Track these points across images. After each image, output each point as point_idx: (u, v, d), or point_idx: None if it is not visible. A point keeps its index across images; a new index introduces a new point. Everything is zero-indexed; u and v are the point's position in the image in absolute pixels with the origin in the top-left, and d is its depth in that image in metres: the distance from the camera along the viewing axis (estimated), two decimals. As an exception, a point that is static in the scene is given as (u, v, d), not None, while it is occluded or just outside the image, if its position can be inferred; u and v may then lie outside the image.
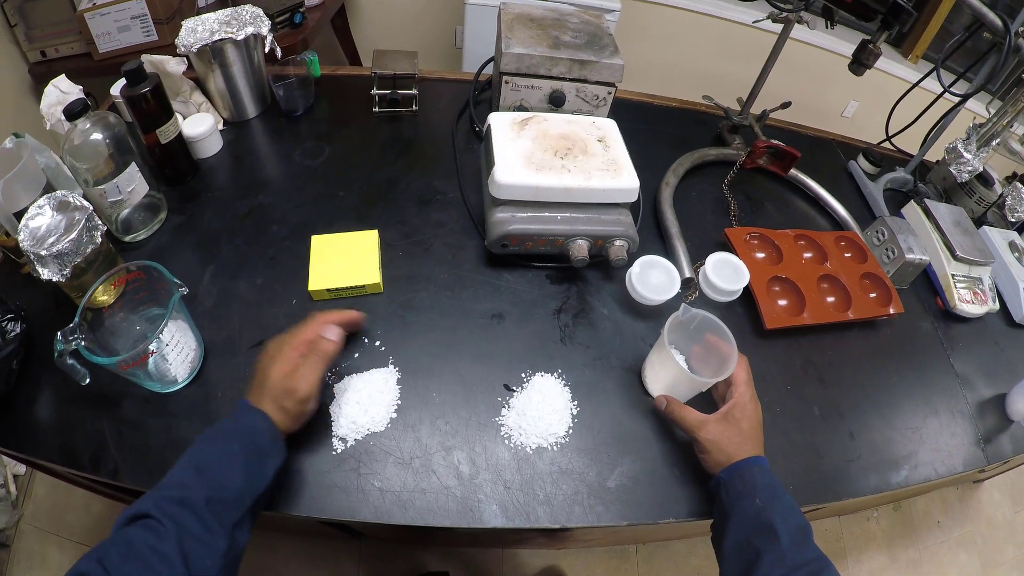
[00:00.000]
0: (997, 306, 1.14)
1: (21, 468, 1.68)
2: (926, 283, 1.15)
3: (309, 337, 0.69)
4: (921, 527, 2.03)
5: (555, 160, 0.86)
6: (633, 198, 0.88)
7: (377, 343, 0.83)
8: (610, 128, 0.94)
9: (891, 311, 0.99)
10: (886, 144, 1.44)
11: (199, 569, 0.52)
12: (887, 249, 1.10)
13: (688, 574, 1.75)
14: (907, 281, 1.11)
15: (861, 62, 1.11)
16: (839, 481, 0.83)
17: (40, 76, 1.74)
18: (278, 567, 1.59)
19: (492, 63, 1.17)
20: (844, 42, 2.56)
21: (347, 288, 0.86)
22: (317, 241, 0.90)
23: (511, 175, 0.83)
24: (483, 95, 1.25)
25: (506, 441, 0.76)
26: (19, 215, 0.74)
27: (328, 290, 0.85)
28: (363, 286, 0.86)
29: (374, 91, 1.12)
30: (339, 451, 0.72)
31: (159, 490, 0.56)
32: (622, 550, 1.75)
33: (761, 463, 0.68)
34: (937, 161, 1.39)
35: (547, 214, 0.86)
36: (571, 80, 1.01)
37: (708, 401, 0.79)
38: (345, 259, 0.88)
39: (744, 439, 0.70)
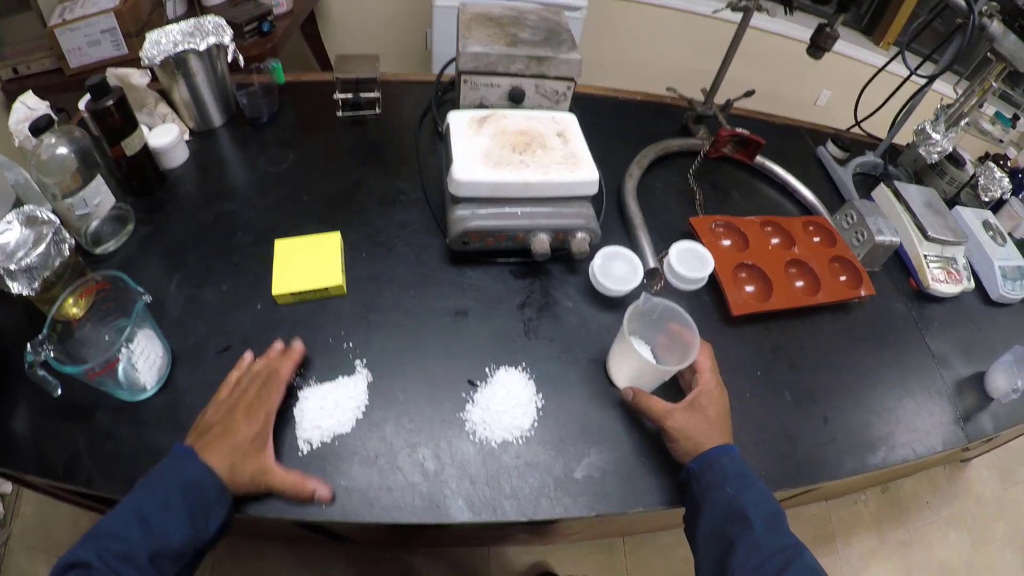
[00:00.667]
0: (972, 285, 1.15)
1: (8, 487, 1.68)
2: (899, 265, 1.16)
3: (272, 407, 0.70)
4: (910, 508, 2.04)
5: (513, 156, 0.86)
6: (593, 191, 0.89)
7: (343, 344, 0.83)
8: (569, 122, 0.95)
9: (862, 293, 1.00)
10: (856, 130, 1.44)
11: None
12: (856, 232, 1.10)
13: (676, 564, 1.76)
14: (878, 264, 1.12)
15: (819, 45, 1.12)
16: (814, 465, 0.83)
17: (12, 93, 1.72)
18: (267, 573, 1.59)
19: (453, 63, 1.17)
20: (809, 30, 2.55)
21: (310, 291, 0.86)
22: (280, 245, 0.90)
23: (469, 172, 0.83)
24: (447, 96, 1.25)
25: (471, 436, 0.76)
26: (-12, 232, 0.74)
27: (292, 294, 0.86)
28: (326, 288, 0.87)
29: (337, 95, 1.13)
30: (305, 453, 0.73)
31: (99, 540, 0.54)
32: (609, 543, 1.76)
33: (731, 451, 0.68)
34: (907, 144, 1.40)
35: (507, 209, 0.87)
36: (530, 76, 1.02)
37: (679, 392, 0.79)
38: (308, 262, 0.88)
39: (711, 426, 0.70)
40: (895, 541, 1.95)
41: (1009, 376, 0.96)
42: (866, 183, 1.34)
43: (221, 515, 0.61)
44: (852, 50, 2.62)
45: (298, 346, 0.77)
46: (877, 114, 1.37)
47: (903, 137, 1.38)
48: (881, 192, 1.24)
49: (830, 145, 1.37)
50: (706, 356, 0.75)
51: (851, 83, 2.12)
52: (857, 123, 1.41)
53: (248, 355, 0.78)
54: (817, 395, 0.90)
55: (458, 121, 0.91)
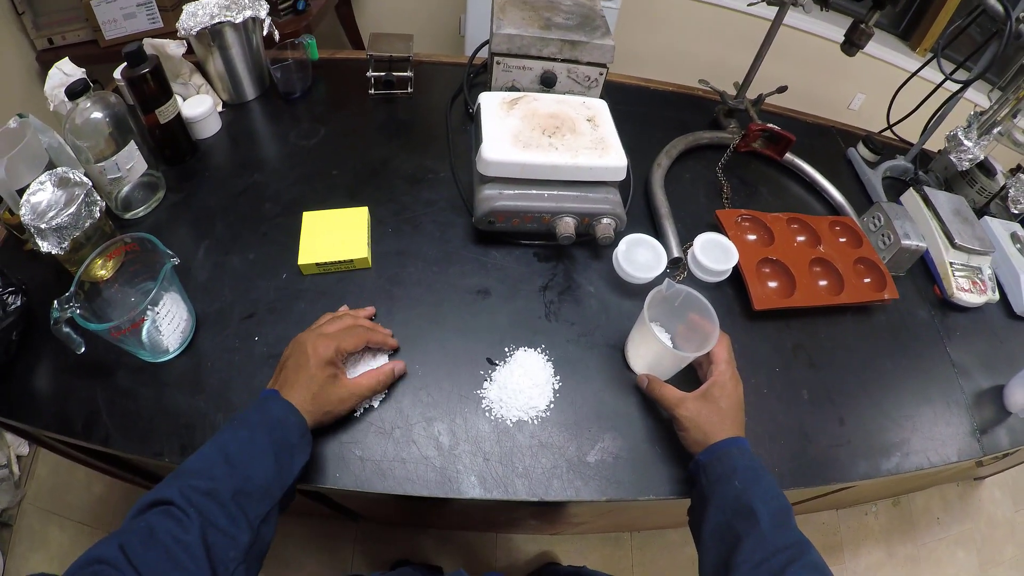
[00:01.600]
0: (997, 296, 1.13)
1: (25, 448, 1.72)
2: (924, 271, 1.14)
3: (350, 348, 0.72)
4: (920, 523, 2.02)
5: (543, 138, 0.86)
6: (621, 176, 0.89)
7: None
8: (600, 108, 0.95)
9: (885, 296, 0.98)
10: (888, 133, 1.43)
11: (222, 562, 0.51)
12: (883, 235, 1.09)
13: (683, 563, 1.75)
14: (904, 268, 1.10)
15: (853, 42, 1.10)
16: (827, 466, 0.82)
17: (47, 63, 1.74)
18: (275, 547, 1.59)
19: (487, 46, 1.18)
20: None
21: (335, 263, 0.87)
22: (308, 217, 0.91)
23: (498, 152, 0.84)
24: (479, 78, 1.26)
25: (487, 414, 0.77)
26: (22, 192, 0.76)
27: (317, 264, 0.87)
28: (351, 260, 0.88)
29: (370, 73, 1.13)
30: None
31: (183, 477, 0.54)
32: (616, 537, 1.76)
33: (741, 444, 0.67)
34: (939, 151, 1.38)
35: (534, 191, 0.87)
36: (562, 61, 1.02)
37: (697, 384, 0.78)
38: (335, 235, 0.89)
39: (723, 418, 0.69)
40: (903, 555, 1.94)
41: (1029, 391, 0.95)
42: (895, 187, 1.32)
43: (306, 452, 0.63)
44: (888, 55, 2.59)
45: (394, 342, 0.80)
46: (909, 120, 1.35)
47: (934, 144, 1.36)
48: (910, 197, 1.22)
49: (861, 147, 1.35)
50: (723, 347, 0.74)
51: (886, 87, 2.09)
52: (889, 126, 1.39)
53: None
54: (835, 396, 0.89)
55: (489, 102, 0.91)
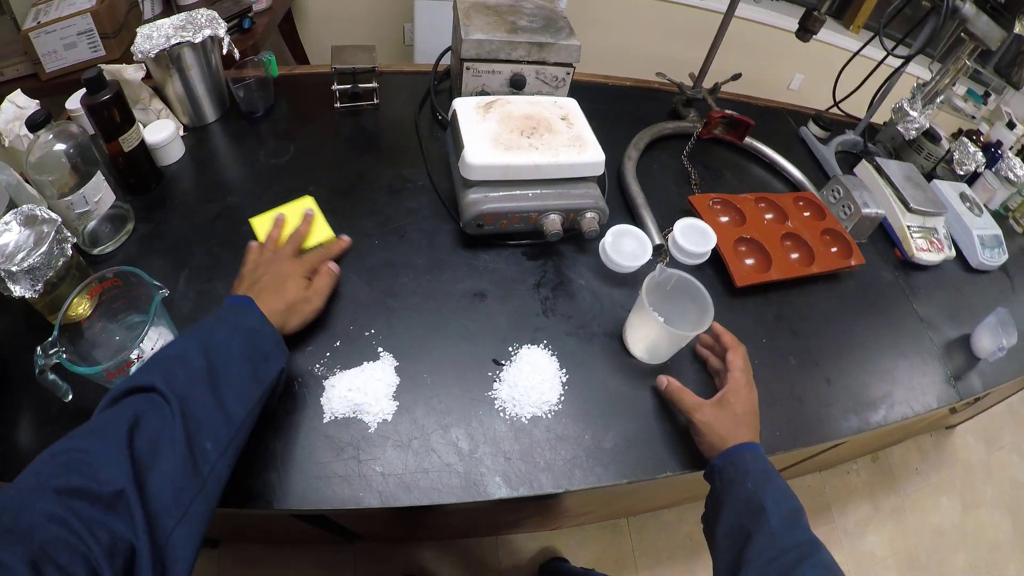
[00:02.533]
0: (953, 254, 1.20)
1: None
2: (883, 237, 1.20)
3: (315, 262, 0.81)
4: (900, 476, 2.11)
5: (522, 139, 0.87)
6: (600, 171, 0.91)
7: (364, 331, 0.83)
8: (572, 106, 0.96)
9: (852, 263, 1.03)
10: (834, 110, 1.49)
11: (202, 452, 0.52)
12: (844, 206, 1.14)
13: (680, 540, 1.79)
14: (865, 235, 1.15)
15: (807, 28, 1.15)
16: (822, 425, 0.87)
17: (-12, 102, 1.68)
18: None
19: (450, 53, 1.18)
20: (786, 17, 2.62)
21: (307, 251, 0.88)
22: (257, 221, 0.93)
23: (481, 156, 0.85)
24: (441, 85, 1.26)
25: (501, 414, 0.77)
26: (-17, 235, 0.72)
27: None
28: (319, 245, 0.90)
29: (335, 87, 1.12)
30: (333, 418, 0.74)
31: (164, 363, 0.56)
32: (614, 525, 1.78)
33: (755, 449, 0.70)
34: (884, 123, 1.45)
35: (518, 192, 0.88)
36: (530, 63, 1.03)
37: (714, 391, 0.81)
38: (291, 228, 0.90)
39: (738, 423, 0.72)
40: (888, 508, 2.01)
41: (994, 336, 1.01)
42: (847, 160, 1.38)
43: (279, 363, 0.65)
44: (824, 34, 2.65)
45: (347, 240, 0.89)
46: (851, 96, 1.41)
47: (879, 117, 1.43)
48: (863, 168, 1.28)
49: (812, 125, 1.41)
50: (738, 356, 0.78)
51: (824, 66, 2.17)
52: (836, 103, 1.45)
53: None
54: (819, 359, 0.94)
55: (464, 107, 0.92)
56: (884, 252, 1.17)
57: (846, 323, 1.01)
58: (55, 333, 0.64)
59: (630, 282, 0.94)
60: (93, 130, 0.91)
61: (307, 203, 0.95)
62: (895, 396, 0.93)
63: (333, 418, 0.74)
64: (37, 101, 0.92)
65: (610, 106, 1.30)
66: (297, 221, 0.91)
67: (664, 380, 0.80)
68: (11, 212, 0.72)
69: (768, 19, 2.61)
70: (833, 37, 2.69)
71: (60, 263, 0.72)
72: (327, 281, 0.80)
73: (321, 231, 0.92)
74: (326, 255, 0.83)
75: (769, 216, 1.09)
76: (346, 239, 0.88)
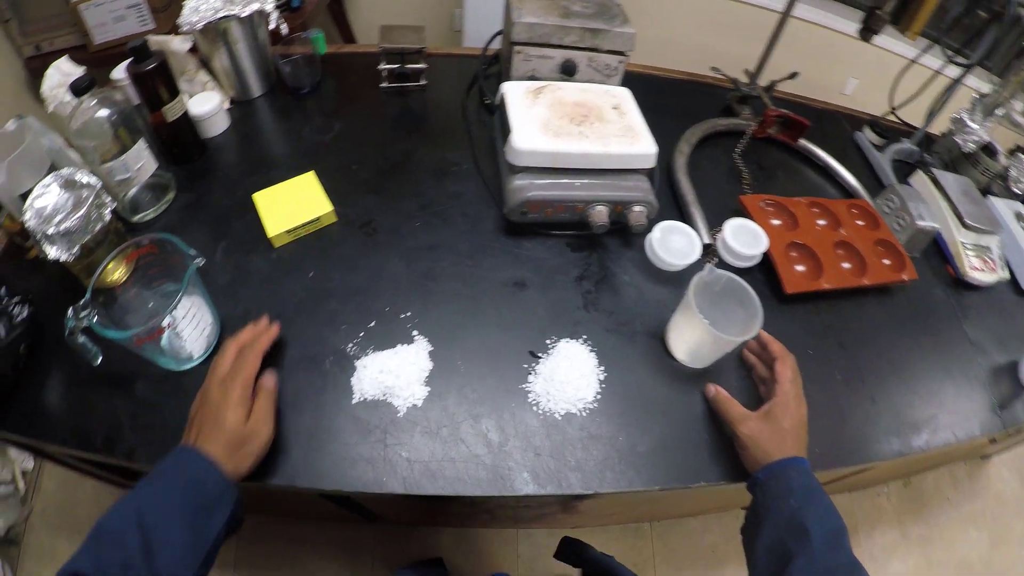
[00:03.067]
0: (1007, 275, 1.14)
1: (29, 463, 1.67)
2: (936, 252, 1.14)
3: (249, 375, 0.66)
4: (931, 503, 2.03)
5: (572, 127, 0.85)
6: (651, 164, 0.88)
7: (400, 312, 0.82)
8: (624, 96, 0.94)
9: (905, 277, 0.99)
10: (890, 117, 1.43)
11: None
12: (898, 217, 1.09)
13: (703, 551, 1.75)
14: (918, 249, 1.10)
15: (870, 28, 1.11)
16: (863, 445, 0.83)
17: (36, 71, 1.70)
18: (295, 554, 1.59)
19: (500, 37, 1.16)
20: (843, 19, 2.55)
21: (304, 225, 0.89)
22: (260, 197, 0.92)
23: (529, 141, 0.82)
24: (490, 70, 1.24)
25: (534, 408, 0.75)
26: (25, 198, 0.72)
27: (287, 232, 0.88)
28: (318, 218, 0.90)
29: (382, 66, 1.11)
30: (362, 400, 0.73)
31: (98, 544, 0.52)
32: (636, 528, 1.75)
33: (800, 464, 0.67)
34: (942, 133, 1.39)
35: (566, 180, 0.86)
36: (583, 49, 1.01)
37: (754, 395, 0.79)
38: (293, 202, 0.91)
39: (783, 438, 0.69)
40: (916, 536, 1.94)
41: (1043, 366, 0.96)
42: (901, 170, 1.33)
43: (226, 512, 0.59)
44: (880, 39, 2.58)
45: (275, 327, 0.74)
46: (908, 102, 1.36)
47: (936, 127, 1.37)
48: (919, 179, 1.22)
49: (867, 131, 1.36)
50: (787, 367, 0.74)
51: (879, 73, 2.10)
52: (893, 110, 1.40)
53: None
54: (865, 375, 0.89)
55: (514, 91, 0.90)
56: (937, 268, 1.12)
57: (895, 340, 0.96)
58: (87, 296, 0.64)
59: (676, 281, 0.91)
60: (138, 99, 0.92)
61: (309, 179, 0.95)
62: (939, 420, 0.88)
63: (363, 399, 0.73)
64: (83, 67, 0.92)
65: (661, 99, 1.26)
66: (299, 198, 0.91)
67: (713, 389, 0.77)
68: (52, 175, 0.73)
69: (825, 20, 2.53)
70: (890, 43, 2.60)
71: (97, 227, 0.73)
72: (267, 404, 0.66)
73: (319, 205, 0.91)
74: (255, 355, 0.68)
75: (822, 222, 1.04)
76: (275, 328, 0.74)
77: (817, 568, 0.56)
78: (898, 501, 2.00)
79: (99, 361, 0.69)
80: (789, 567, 0.56)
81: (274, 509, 1.51)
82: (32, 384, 0.73)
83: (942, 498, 2.05)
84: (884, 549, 1.88)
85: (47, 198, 0.71)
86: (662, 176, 1.07)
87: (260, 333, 0.72)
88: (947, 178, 1.20)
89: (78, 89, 0.78)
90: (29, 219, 0.69)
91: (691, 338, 0.78)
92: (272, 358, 0.75)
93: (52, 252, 0.69)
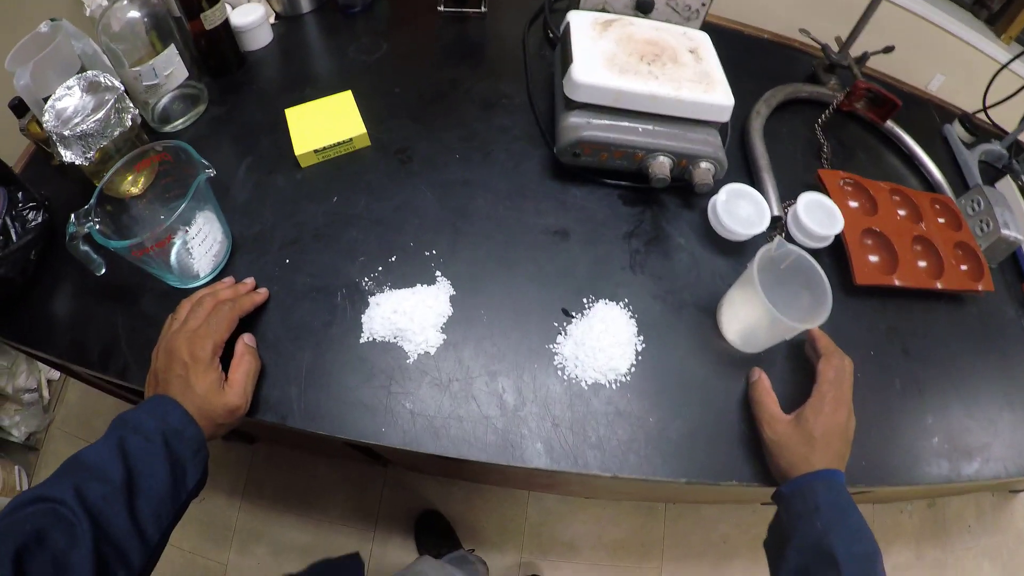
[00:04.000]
0: (1086, 301, 1.03)
1: (55, 373, 1.70)
2: (1013, 267, 1.04)
3: (222, 338, 0.61)
4: (952, 529, 1.98)
5: (640, 65, 0.76)
6: (726, 117, 0.79)
7: (424, 250, 0.76)
8: (703, 40, 0.84)
9: (980, 288, 0.89)
10: (980, 116, 1.32)
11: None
12: (982, 221, 1.00)
13: (715, 541, 1.73)
14: (997, 260, 1.01)
15: (984, 4, 0.99)
16: (912, 464, 0.75)
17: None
18: (301, 487, 1.62)
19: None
20: (939, 11, 2.40)
21: (334, 145, 0.84)
22: (292, 113, 0.87)
23: (590, 75, 0.74)
24: (558, 3, 1.14)
25: (559, 372, 0.68)
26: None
27: (315, 151, 0.83)
28: (351, 140, 0.85)
29: (441, -13, 1.03)
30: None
31: (78, 473, 0.49)
32: (650, 507, 1.74)
33: (831, 478, 0.59)
34: (1032, 142, 1.27)
35: (627, 123, 0.77)
36: (663, -15, 0.91)
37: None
38: (325, 121, 0.86)
39: (812, 448, 0.60)
40: (931, 559, 1.90)
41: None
42: (987, 173, 1.22)
43: (198, 471, 0.55)
44: (975, 38, 2.46)
45: (263, 291, 0.70)
46: (1001, 103, 1.25)
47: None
48: (1006, 185, 1.12)
49: (957, 126, 1.24)
50: (831, 367, 0.65)
51: (968, 72, 1.96)
52: (984, 109, 1.28)
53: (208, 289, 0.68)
54: (925, 388, 0.81)
55: (580, 21, 0.81)
56: (1011, 284, 1.01)
57: (960, 355, 0.87)
58: (92, 201, 0.60)
59: (737, 252, 0.83)
60: (178, 6, 0.87)
61: (345, 99, 0.89)
62: (993, 450, 0.79)
63: (371, 339, 0.68)
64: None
65: (743, 56, 1.16)
66: (333, 118, 0.86)
67: (757, 372, 0.69)
68: (76, 77, 0.70)
69: (920, 9, 2.38)
70: (982, 43, 2.46)
71: (116, 133, 0.70)
72: (245, 379, 0.61)
73: (353, 126, 0.85)
74: (233, 316, 0.63)
75: (902, 212, 0.94)
76: (262, 293, 0.70)
77: None
78: (920, 521, 1.97)
79: (102, 271, 0.66)
80: None
81: (289, 441, 1.51)
82: (39, 292, 0.71)
83: (963, 526, 2.01)
84: (896, 568, 1.85)
85: (68, 100, 0.68)
86: (734, 136, 0.98)
87: (242, 294, 0.67)
88: (1036, 189, 1.09)
89: (111, -11, 0.74)
90: (48, 120, 0.67)
91: (747, 317, 0.70)
92: (284, 287, 0.72)
93: (67, 156, 0.68)
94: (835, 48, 1.14)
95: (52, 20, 0.75)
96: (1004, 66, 1.22)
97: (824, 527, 0.55)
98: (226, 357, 0.61)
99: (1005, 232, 0.95)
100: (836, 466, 0.61)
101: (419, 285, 0.72)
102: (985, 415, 0.82)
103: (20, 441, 1.57)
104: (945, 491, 1.86)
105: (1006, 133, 1.26)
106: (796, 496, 0.59)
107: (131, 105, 0.72)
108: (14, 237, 0.68)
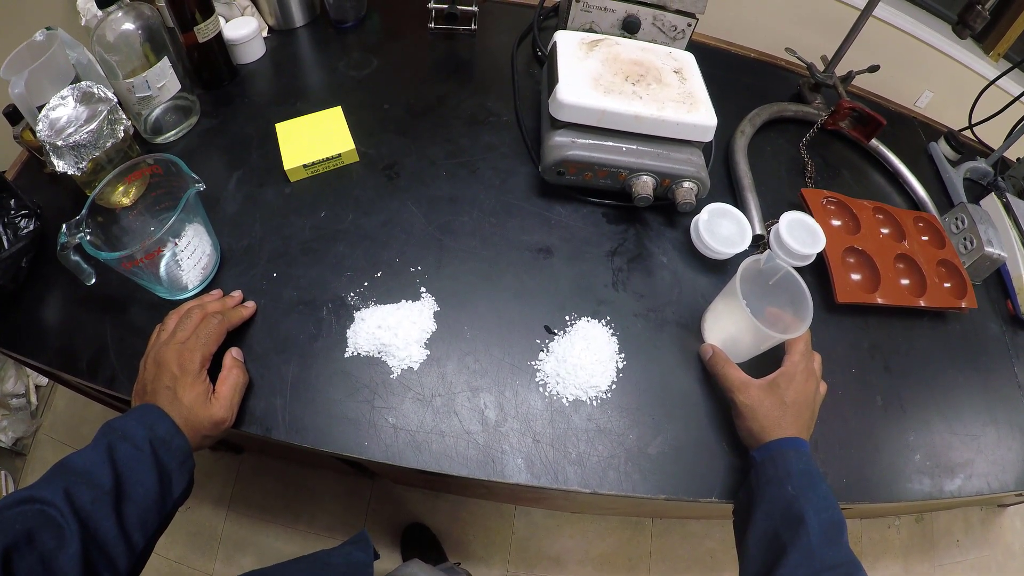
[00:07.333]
0: (1069, 320, 1.04)
1: (43, 379, 1.70)
2: (997, 283, 1.05)
3: (210, 351, 0.62)
4: (940, 544, 1.99)
5: (625, 85, 0.77)
6: (708, 136, 0.80)
7: (410, 266, 0.76)
8: (688, 60, 0.86)
9: (963, 305, 0.90)
10: (967, 133, 1.33)
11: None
12: (965, 238, 1.01)
13: (701, 556, 1.73)
14: (981, 277, 1.02)
15: (967, 24, 1.00)
16: (894, 481, 0.75)
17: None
18: (289, 498, 1.61)
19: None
20: (926, 28, 2.42)
21: (323, 161, 0.84)
22: (282, 127, 0.88)
23: (575, 95, 0.75)
24: (547, 22, 1.16)
25: (540, 389, 0.69)
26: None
27: (304, 166, 0.83)
28: (339, 155, 0.85)
29: (431, 5, 1.04)
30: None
31: (68, 475, 0.49)
32: (637, 522, 1.73)
33: (799, 446, 0.61)
34: (1017, 159, 1.28)
35: (611, 143, 0.78)
36: (649, 5, 0.92)
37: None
38: (315, 136, 0.86)
39: (784, 413, 0.63)
40: (919, 573, 1.91)
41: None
42: (973, 190, 1.23)
43: (183, 482, 0.55)
44: (963, 55, 2.50)
45: (251, 305, 0.71)
46: (986, 120, 1.27)
47: (1013, 152, 1.27)
48: (991, 203, 1.13)
49: (943, 143, 1.25)
50: (801, 341, 0.67)
51: (956, 88, 1.97)
52: (971, 126, 1.30)
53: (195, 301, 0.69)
54: (907, 405, 0.82)
55: (566, 41, 0.83)
56: (996, 301, 1.02)
57: (942, 371, 0.88)
58: (83, 212, 0.61)
59: (719, 270, 0.84)
60: (171, 18, 0.88)
61: (335, 114, 0.89)
62: (975, 467, 0.80)
63: (356, 354, 0.69)
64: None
65: (729, 75, 1.18)
66: (322, 133, 0.86)
67: (709, 349, 0.71)
68: (70, 87, 0.71)
69: (907, 26, 2.40)
70: (971, 60, 2.48)
71: (108, 144, 0.71)
72: (232, 393, 0.61)
73: (342, 142, 0.86)
74: (221, 329, 0.64)
75: (885, 231, 0.96)
76: (251, 307, 0.70)
77: (814, 564, 0.52)
78: (908, 536, 1.97)
79: (92, 281, 0.67)
80: (783, 560, 0.52)
81: (276, 452, 1.51)
82: (29, 299, 0.71)
83: (951, 540, 2.01)
84: (884, 582, 1.85)
85: (62, 110, 0.69)
86: (718, 156, 0.99)
87: (230, 307, 0.68)
88: (1021, 206, 1.10)
89: (104, 0, 0.75)
90: (42, 130, 0.68)
91: (729, 327, 0.72)
92: (271, 300, 0.72)
93: (60, 166, 0.69)
94: (820, 67, 1.16)
95: (48, 29, 0.76)
96: (991, 83, 1.23)
97: (795, 492, 0.56)
98: (213, 369, 0.62)
99: (989, 249, 0.96)
100: (803, 435, 0.63)
101: (404, 301, 0.72)
102: (968, 431, 0.83)
103: (7, 446, 1.56)
104: (933, 506, 1.87)
105: (992, 150, 1.27)
106: (767, 462, 0.60)
107: (124, 116, 0.73)
108: (6, 244, 0.68)
